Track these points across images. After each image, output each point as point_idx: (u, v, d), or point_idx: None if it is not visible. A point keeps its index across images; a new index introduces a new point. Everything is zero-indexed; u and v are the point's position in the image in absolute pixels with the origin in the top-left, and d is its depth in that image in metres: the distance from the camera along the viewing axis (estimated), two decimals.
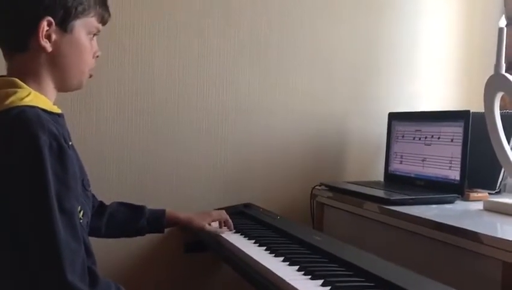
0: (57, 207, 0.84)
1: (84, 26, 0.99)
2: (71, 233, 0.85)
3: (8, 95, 0.89)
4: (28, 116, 0.86)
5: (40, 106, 0.91)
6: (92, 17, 1.00)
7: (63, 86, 1.02)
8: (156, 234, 1.43)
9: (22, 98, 0.90)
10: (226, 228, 1.48)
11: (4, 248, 0.86)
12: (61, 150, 0.87)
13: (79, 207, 0.95)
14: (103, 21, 1.04)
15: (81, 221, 0.95)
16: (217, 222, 1.49)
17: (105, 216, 1.33)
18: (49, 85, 0.99)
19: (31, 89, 0.93)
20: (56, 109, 0.98)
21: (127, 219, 1.35)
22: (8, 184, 0.84)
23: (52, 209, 0.83)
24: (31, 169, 0.84)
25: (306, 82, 1.91)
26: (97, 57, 1.06)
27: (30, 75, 0.96)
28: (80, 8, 0.97)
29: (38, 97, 0.94)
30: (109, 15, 1.05)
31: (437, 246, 1.27)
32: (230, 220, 1.48)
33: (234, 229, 1.47)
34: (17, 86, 0.92)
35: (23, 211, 0.84)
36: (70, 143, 1.00)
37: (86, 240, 0.96)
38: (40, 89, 0.97)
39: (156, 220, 1.37)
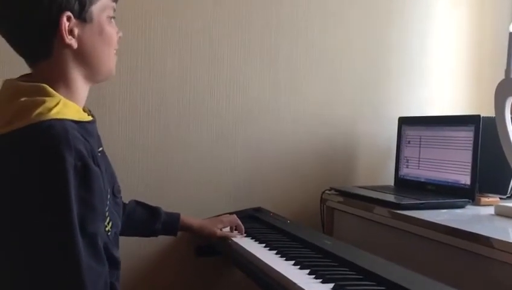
0: (79, 231, 0.81)
1: (101, 11, 0.94)
2: (93, 255, 0.84)
3: (36, 105, 0.85)
4: (55, 134, 0.82)
5: (68, 117, 0.87)
6: None
7: (95, 79, 0.98)
8: (168, 236, 1.44)
9: (50, 109, 0.85)
10: (237, 232, 1.49)
11: (23, 271, 0.83)
12: (87, 169, 0.84)
13: (107, 219, 0.94)
14: None
15: (108, 233, 0.94)
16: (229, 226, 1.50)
17: (124, 216, 1.34)
18: (79, 83, 0.95)
19: (61, 97, 0.89)
20: (86, 117, 0.94)
21: (143, 221, 1.38)
22: (31, 203, 0.81)
23: (74, 233, 0.81)
24: (55, 192, 0.81)
25: (316, 86, 1.92)
26: (119, 37, 1.01)
27: (58, 79, 0.92)
28: None
29: (68, 106, 0.89)
30: None
31: (448, 250, 1.27)
32: (241, 225, 1.49)
33: (245, 233, 1.48)
34: (46, 94, 0.87)
35: (45, 234, 0.81)
36: (100, 149, 0.98)
37: (114, 252, 0.95)
38: (70, 91, 0.93)
39: (171, 225, 1.41)
